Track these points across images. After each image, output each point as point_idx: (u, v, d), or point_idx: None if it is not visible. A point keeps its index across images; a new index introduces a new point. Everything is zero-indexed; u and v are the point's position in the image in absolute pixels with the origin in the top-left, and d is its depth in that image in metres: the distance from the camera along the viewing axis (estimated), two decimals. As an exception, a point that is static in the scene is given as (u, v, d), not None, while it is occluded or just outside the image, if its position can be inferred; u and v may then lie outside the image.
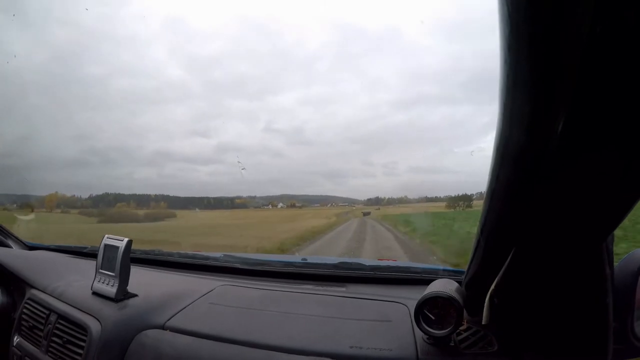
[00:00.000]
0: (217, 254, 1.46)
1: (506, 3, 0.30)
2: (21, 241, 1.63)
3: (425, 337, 0.75)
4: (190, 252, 1.54)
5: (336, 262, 1.28)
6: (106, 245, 1.03)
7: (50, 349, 0.97)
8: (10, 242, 1.60)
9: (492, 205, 0.52)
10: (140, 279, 1.08)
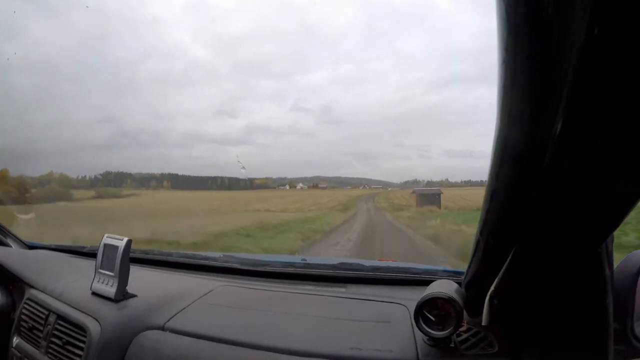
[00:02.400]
0: (217, 254, 1.46)
1: (503, 4, 0.30)
2: (21, 240, 1.63)
3: (425, 338, 0.75)
4: (189, 252, 1.54)
5: (336, 262, 1.27)
6: (106, 245, 1.03)
7: (50, 350, 0.97)
8: (9, 241, 1.59)
9: (492, 206, 0.52)
10: (140, 279, 1.08)
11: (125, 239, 1.00)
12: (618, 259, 0.66)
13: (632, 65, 0.28)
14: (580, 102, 0.32)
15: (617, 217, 0.43)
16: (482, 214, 0.55)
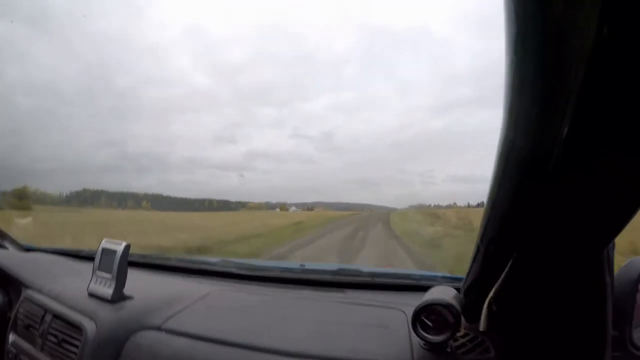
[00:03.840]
0: (215, 259, 1.46)
1: (512, 4, 0.31)
2: (17, 243, 1.62)
3: (421, 343, 0.75)
4: (187, 256, 1.54)
5: (335, 268, 1.27)
6: (104, 249, 1.03)
7: (46, 347, 0.97)
8: (6, 244, 1.59)
9: (494, 212, 0.52)
10: (137, 281, 1.08)
11: (124, 244, 1.01)
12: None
13: None
14: (589, 103, 0.32)
15: (620, 224, 0.43)
16: (483, 221, 0.55)
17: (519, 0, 0.30)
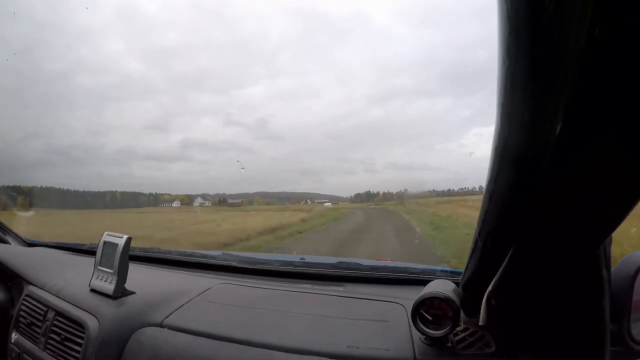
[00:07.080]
0: (216, 253, 1.46)
1: (505, 4, 0.30)
2: (20, 237, 1.63)
3: (422, 337, 0.75)
4: (188, 250, 1.55)
5: (334, 261, 1.28)
6: (105, 242, 1.03)
7: (49, 345, 0.97)
8: (8, 239, 1.60)
9: (491, 207, 0.52)
10: (139, 276, 1.08)
11: (125, 237, 1.01)
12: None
13: (633, 65, 0.28)
14: (581, 102, 0.32)
15: (616, 219, 0.43)
16: (481, 215, 0.55)
17: (513, 3, 0.30)
